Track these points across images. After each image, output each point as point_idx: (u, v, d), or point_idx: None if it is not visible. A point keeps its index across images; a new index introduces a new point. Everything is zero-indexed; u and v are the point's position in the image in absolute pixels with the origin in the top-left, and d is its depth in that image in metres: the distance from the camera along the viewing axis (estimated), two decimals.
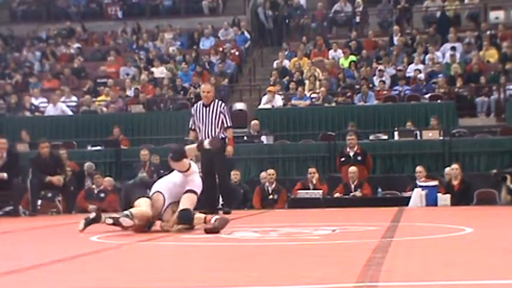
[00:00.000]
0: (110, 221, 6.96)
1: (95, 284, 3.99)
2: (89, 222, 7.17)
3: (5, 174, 12.16)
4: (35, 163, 12.81)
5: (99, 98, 18.99)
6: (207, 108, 10.34)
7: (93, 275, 4.42)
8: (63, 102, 18.56)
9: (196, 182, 7.19)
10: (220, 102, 10.64)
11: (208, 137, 10.02)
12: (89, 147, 16.04)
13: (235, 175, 13.80)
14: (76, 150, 15.93)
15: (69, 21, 24.55)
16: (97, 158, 14.97)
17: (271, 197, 13.46)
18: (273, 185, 13.52)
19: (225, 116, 10.38)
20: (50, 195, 13.34)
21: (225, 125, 10.36)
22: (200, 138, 9.97)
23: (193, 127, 10.51)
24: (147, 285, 3.91)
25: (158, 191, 7.17)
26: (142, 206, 7.03)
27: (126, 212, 6.87)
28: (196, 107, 10.53)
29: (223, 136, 10.41)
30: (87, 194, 13.70)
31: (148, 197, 7.15)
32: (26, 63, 22.06)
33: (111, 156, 15.48)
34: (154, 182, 7.50)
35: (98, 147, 15.94)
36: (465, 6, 22.28)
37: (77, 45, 22.92)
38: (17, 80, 20.62)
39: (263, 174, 13.82)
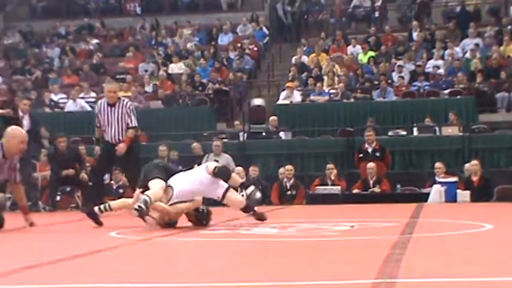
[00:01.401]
0: (135, 213, 7.01)
1: (113, 279, 4.00)
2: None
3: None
4: (53, 158, 12.91)
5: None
6: (112, 108, 9.81)
7: (112, 270, 4.43)
8: (82, 98, 18.64)
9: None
10: (126, 101, 10.09)
11: (115, 137, 9.70)
12: None
13: (253, 171, 13.80)
14: (95, 146, 15.96)
15: (88, 17, 24.68)
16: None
17: (289, 193, 13.44)
18: (291, 181, 13.51)
19: (130, 116, 9.82)
20: (68, 189, 13.44)
21: (130, 125, 9.81)
22: (106, 139, 9.73)
23: (98, 125, 9.99)
24: (166, 280, 3.92)
25: (170, 186, 7.19)
26: (154, 188, 7.07)
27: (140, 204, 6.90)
28: (101, 105, 10.00)
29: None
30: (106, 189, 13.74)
31: (164, 180, 7.21)
32: (46, 59, 22.19)
33: None
34: (177, 171, 7.54)
35: None
36: (485, 1, 22.10)
37: (95, 41, 23.01)
38: (37, 76, 20.75)
39: (281, 170, 13.81)
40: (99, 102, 10.26)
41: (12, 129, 7.80)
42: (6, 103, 17.31)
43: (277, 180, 13.72)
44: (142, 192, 7.02)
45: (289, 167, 13.58)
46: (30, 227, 7.80)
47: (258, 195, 6.87)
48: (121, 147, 9.79)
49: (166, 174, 7.33)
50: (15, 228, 7.80)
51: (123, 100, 10.08)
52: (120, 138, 9.72)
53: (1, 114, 12.06)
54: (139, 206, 6.86)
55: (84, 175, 12.75)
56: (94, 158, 14.66)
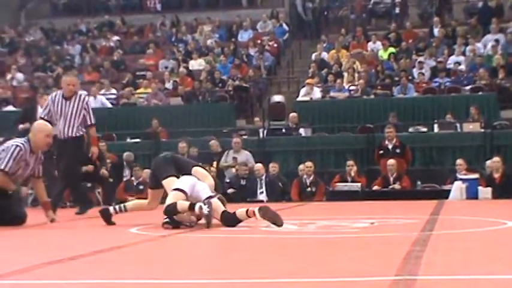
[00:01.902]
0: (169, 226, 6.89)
1: (134, 275, 4.02)
2: None
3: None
4: None
5: (138, 91, 19.13)
6: (68, 102, 9.15)
7: (133, 266, 4.45)
8: (103, 94, 18.74)
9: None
10: (83, 96, 9.56)
11: (65, 132, 9.13)
12: (128, 140, 16.18)
13: (273, 167, 13.80)
14: (115, 143, 16.08)
15: (108, 14, 24.82)
16: (136, 150, 15.10)
17: (309, 189, 13.43)
18: (311, 178, 13.49)
19: (88, 113, 9.34)
20: (89, 185, 13.51)
21: (88, 123, 9.28)
22: (58, 132, 9.08)
23: (46, 117, 9.09)
24: (186, 277, 3.92)
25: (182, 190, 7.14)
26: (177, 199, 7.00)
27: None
28: (55, 97, 9.28)
29: (81, 133, 9.27)
30: (126, 186, 13.83)
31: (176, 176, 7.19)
32: (67, 56, 22.34)
33: (150, 148, 15.59)
34: (185, 161, 7.49)
35: (137, 140, 16.07)
36: None
37: (116, 38, 23.12)
38: (58, 73, 20.88)
39: (301, 166, 13.80)
40: (53, 94, 9.57)
41: (38, 123, 7.94)
42: (28, 100, 17.48)
43: (297, 177, 13.71)
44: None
45: (308, 163, 13.56)
46: (51, 223, 7.86)
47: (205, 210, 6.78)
48: (94, 152, 9.51)
49: (176, 166, 7.31)
50: (37, 224, 7.86)
51: (80, 95, 9.51)
52: (70, 133, 9.14)
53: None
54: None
55: (104, 171, 12.84)
56: (115, 155, 14.77)
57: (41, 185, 8.01)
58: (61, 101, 9.14)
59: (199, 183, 7.08)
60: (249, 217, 6.84)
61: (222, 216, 6.86)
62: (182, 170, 7.30)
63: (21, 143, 7.62)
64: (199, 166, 7.45)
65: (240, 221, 6.85)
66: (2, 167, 7.51)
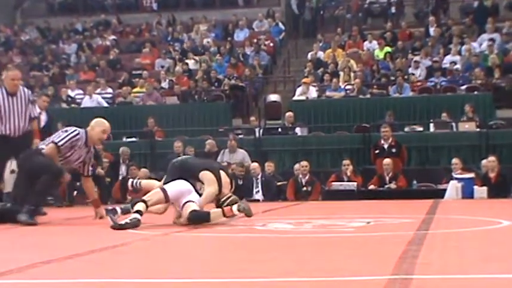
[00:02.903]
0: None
1: (131, 274, 4.02)
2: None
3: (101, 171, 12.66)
4: None
5: (134, 90, 19.12)
6: (14, 98, 8.64)
7: (129, 265, 4.46)
8: (99, 94, 18.72)
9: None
10: (26, 89, 9.03)
11: (16, 130, 8.65)
12: (124, 139, 16.17)
13: (269, 166, 13.80)
14: (111, 142, 16.05)
15: (104, 13, 24.79)
16: (132, 150, 15.08)
17: (304, 189, 13.43)
18: (307, 177, 13.49)
19: (34, 106, 9.07)
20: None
21: (32, 116, 8.86)
22: (4, 132, 8.61)
23: None
24: (183, 275, 3.93)
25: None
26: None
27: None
28: None
29: (29, 128, 8.79)
30: (122, 185, 13.81)
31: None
32: (63, 55, 22.31)
33: (146, 147, 15.59)
34: (190, 168, 7.50)
35: (133, 139, 16.06)
36: None
37: (112, 37, 23.10)
38: (54, 72, 20.86)
39: (297, 166, 13.80)
40: None
41: (98, 119, 8.05)
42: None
43: (292, 176, 13.72)
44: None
45: (304, 163, 13.56)
46: (99, 220, 7.89)
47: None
48: (36, 143, 8.70)
49: (181, 172, 7.30)
50: (33, 223, 7.85)
51: (23, 88, 9.04)
52: (25, 128, 8.74)
53: None
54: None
55: (100, 170, 12.83)
56: (112, 154, 14.77)
57: (90, 184, 8.20)
58: (6, 98, 8.62)
59: (191, 195, 7.05)
60: (226, 216, 6.87)
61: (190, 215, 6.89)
62: (187, 174, 7.27)
63: (81, 131, 7.85)
64: (210, 170, 7.29)
65: (209, 220, 6.86)
66: (56, 141, 7.74)
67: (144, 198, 7.06)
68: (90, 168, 8.10)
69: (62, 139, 7.75)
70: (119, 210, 7.09)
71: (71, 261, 4.58)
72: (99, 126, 7.88)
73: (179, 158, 7.78)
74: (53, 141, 7.78)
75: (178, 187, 7.08)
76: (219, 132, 15.93)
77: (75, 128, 7.89)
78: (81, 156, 7.89)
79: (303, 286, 3.57)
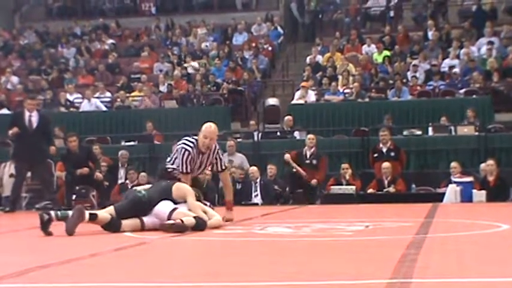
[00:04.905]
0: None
1: (130, 278, 4.02)
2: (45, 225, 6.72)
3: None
4: (66, 158, 12.98)
5: (133, 94, 19.13)
6: None
7: (128, 269, 4.45)
8: (98, 98, 18.71)
9: None
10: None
11: None
12: (123, 143, 16.16)
13: (270, 169, 13.81)
14: (110, 146, 16.06)
15: (103, 17, 24.80)
16: (131, 153, 15.07)
17: (308, 162, 13.62)
18: (313, 149, 13.75)
19: None
20: (83, 190, 13.52)
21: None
22: None
23: None
24: (182, 279, 3.92)
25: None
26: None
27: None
28: None
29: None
30: (121, 189, 13.80)
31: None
32: (61, 59, 22.30)
33: (145, 151, 15.58)
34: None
35: (132, 143, 16.05)
36: (502, 0, 21.96)
37: (111, 41, 23.10)
38: (53, 76, 20.86)
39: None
40: None
41: (204, 124, 8.02)
42: (21, 103, 17.44)
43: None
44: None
45: (311, 136, 13.73)
46: (225, 222, 7.75)
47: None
48: None
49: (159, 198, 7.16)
50: (32, 227, 7.84)
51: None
52: None
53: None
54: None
55: (98, 174, 12.82)
56: (110, 158, 14.76)
57: (224, 176, 8.20)
58: None
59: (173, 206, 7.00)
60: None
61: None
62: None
63: (190, 145, 7.85)
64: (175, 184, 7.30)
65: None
66: (181, 170, 7.76)
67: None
68: (223, 164, 8.08)
69: (181, 165, 7.76)
70: (53, 214, 6.78)
71: (69, 265, 4.57)
72: (201, 132, 7.86)
73: (139, 193, 7.25)
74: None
75: (156, 210, 6.97)
76: (218, 136, 15.87)
77: (183, 145, 7.85)
78: (203, 163, 7.92)
79: None
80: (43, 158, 12.45)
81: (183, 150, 7.82)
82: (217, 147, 8.10)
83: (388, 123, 15.46)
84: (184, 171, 7.78)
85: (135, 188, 7.87)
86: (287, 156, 13.45)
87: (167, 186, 7.23)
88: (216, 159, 8.00)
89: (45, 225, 6.70)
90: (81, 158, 12.74)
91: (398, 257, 4.48)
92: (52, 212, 6.87)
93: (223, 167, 8.12)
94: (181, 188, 7.19)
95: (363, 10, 22.90)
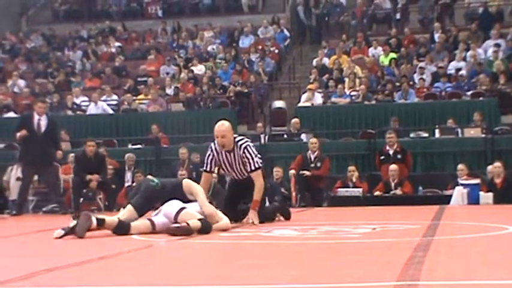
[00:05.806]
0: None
1: (135, 281, 4.02)
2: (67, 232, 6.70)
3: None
4: (79, 161, 12.99)
5: (140, 97, 19.16)
6: None
7: (134, 272, 4.45)
8: (104, 101, 18.75)
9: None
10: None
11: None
12: (130, 146, 16.20)
13: (277, 172, 13.80)
14: (117, 149, 16.09)
15: (110, 20, 24.86)
16: (137, 156, 15.10)
17: (313, 165, 13.58)
18: (316, 153, 13.79)
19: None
20: (90, 193, 13.54)
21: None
22: None
23: None
24: (188, 282, 3.93)
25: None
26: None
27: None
28: None
29: None
30: (127, 192, 13.81)
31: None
32: (68, 62, 22.36)
33: (151, 154, 15.60)
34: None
35: (138, 146, 16.08)
36: (508, 2, 21.94)
37: (117, 44, 23.15)
38: (59, 79, 20.91)
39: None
40: None
41: None
42: (29, 106, 17.50)
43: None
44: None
45: (313, 140, 13.82)
46: (248, 224, 7.79)
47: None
48: None
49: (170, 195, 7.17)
50: (39, 230, 7.86)
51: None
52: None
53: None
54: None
55: (99, 178, 12.79)
56: (117, 161, 14.79)
57: (254, 174, 7.99)
58: None
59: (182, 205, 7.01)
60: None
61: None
62: (175, 194, 7.15)
63: (212, 147, 8.03)
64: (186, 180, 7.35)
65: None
66: (203, 168, 8.10)
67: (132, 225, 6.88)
68: (256, 163, 7.95)
69: (206, 164, 8.00)
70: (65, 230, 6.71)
71: (76, 268, 4.58)
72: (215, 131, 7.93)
73: (151, 183, 7.29)
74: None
75: (165, 210, 6.99)
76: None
77: (210, 146, 8.04)
78: (233, 163, 7.97)
79: None
80: (50, 162, 12.48)
81: (208, 150, 8.10)
82: (245, 145, 8.01)
83: (394, 125, 15.45)
84: (204, 169, 8.09)
85: (147, 177, 8.01)
86: (292, 172, 13.46)
87: (177, 180, 7.61)
88: (245, 158, 7.92)
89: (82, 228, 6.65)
90: (94, 164, 12.77)
91: (406, 260, 4.47)
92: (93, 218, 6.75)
93: (253, 168, 7.96)
94: (189, 183, 7.27)
95: (370, 12, 22.87)
